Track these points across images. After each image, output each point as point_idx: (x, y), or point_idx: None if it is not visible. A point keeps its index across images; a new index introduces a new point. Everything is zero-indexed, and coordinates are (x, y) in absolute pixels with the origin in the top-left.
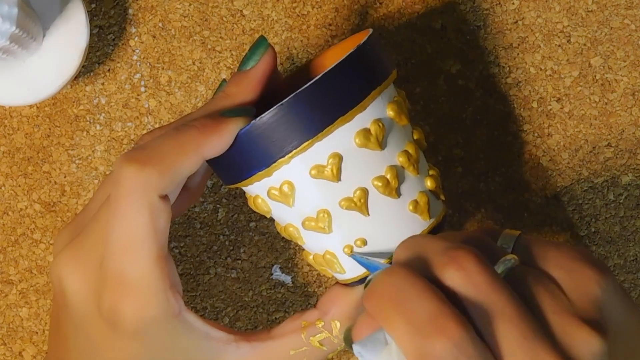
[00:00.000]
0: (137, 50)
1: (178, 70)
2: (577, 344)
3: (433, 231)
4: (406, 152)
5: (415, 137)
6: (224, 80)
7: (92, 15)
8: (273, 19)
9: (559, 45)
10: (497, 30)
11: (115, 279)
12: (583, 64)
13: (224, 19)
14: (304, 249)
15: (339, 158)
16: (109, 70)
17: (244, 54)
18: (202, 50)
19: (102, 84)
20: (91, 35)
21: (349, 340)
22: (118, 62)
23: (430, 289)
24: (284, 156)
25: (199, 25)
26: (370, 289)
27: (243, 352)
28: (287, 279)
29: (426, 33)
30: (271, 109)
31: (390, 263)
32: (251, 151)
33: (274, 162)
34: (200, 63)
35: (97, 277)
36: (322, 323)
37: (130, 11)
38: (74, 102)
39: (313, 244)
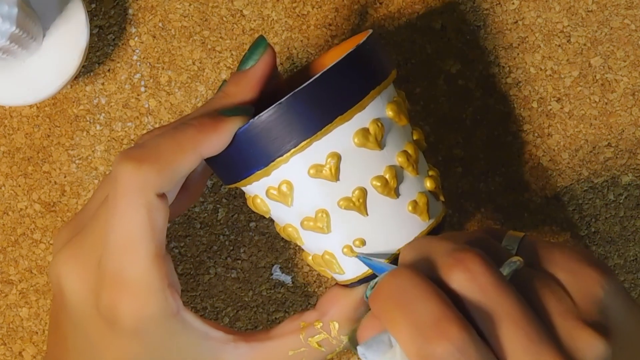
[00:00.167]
0: (137, 50)
1: (178, 70)
2: (582, 347)
3: (432, 232)
4: (405, 152)
5: (414, 138)
6: (225, 81)
7: (92, 15)
8: (273, 19)
9: (559, 45)
10: (497, 30)
11: (113, 277)
12: (583, 64)
13: (224, 19)
14: (303, 250)
15: (337, 157)
16: (109, 70)
17: (243, 53)
18: (202, 50)
19: (102, 84)
20: (91, 35)
21: (353, 341)
22: (118, 62)
23: (434, 291)
24: (282, 155)
25: (199, 25)
26: (376, 290)
27: (241, 352)
28: (287, 279)
29: (426, 33)
30: (269, 108)
31: (394, 264)
32: (250, 150)
33: (273, 161)
34: (200, 63)
35: (96, 276)
36: (321, 324)
37: (130, 11)
38: (74, 102)
39: (312, 244)
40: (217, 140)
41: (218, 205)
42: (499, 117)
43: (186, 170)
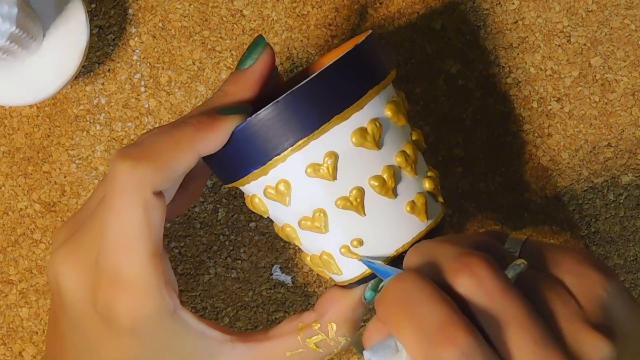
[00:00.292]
0: (137, 50)
1: (178, 70)
2: (588, 350)
3: (431, 233)
4: (404, 152)
5: (413, 138)
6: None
7: (92, 15)
8: (273, 19)
9: (559, 45)
10: (497, 30)
11: (109, 275)
12: (583, 64)
13: (224, 19)
14: (302, 250)
15: (335, 157)
16: (109, 70)
17: (243, 52)
18: (202, 50)
19: (102, 84)
20: (91, 35)
21: (359, 345)
22: (118, 62)
23: (440, 295)
24: (279, 154)
25: (199, 25)
26: (382, 294)
27: (239, 352)
28: (287, 279)
29: (426, 33)
30: (267, 106)
31: (393, 264)
32: (247, 149)
33: (270, 159)
34: (200, 63)
35: (93, 274)
36: (319, 325)
37: (130, 11)
38: (74, 102)
39: (310, 244)
40: (214, 138)
41: (218, 205)
42: (499, 117)
43: (183, 168)
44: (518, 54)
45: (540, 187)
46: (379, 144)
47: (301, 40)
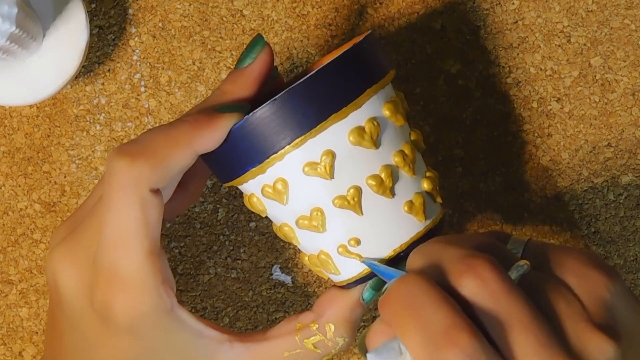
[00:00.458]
0: (137, 50)
1: (178, 70)
2: (592, 350)
3: (429, 233)
4: (402, 152)
5: (412, 138)
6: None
7: (92, 15)
8: (273, 19)
9: (559, 45)
10: (497, 30)
11: (107, 273)
12: (583, 64)
13: (224, 19)
14: (300, 250)
15: (332, 155)
16: (109, 70)
17: (242, 51)
18: (202, 50)
19: (102, 84)
20: (91, 35)
21: (362, 347)
22: (118, 62)
23: (444, 297)
24: (277, 152)
25: (199, 25)
26: (386, 296)
27: (237, 352)
28: (287, 279)
29: (426, 33)
30: (264, 104)
31: (391, 264)
32: (245, 147)
33: (267, 158)
34: (200, 63)
35: (91, 273)
36: (317, 325)
37: (130, 11)
38: (74, 102)
39: (308, 243)
40: (211, 136)
41: (218, 205)
42: (499, 117)
43: (180, 166)
44: (518, 54)
45: (540, 187)
46: (376, 143)
47: (301, 40)
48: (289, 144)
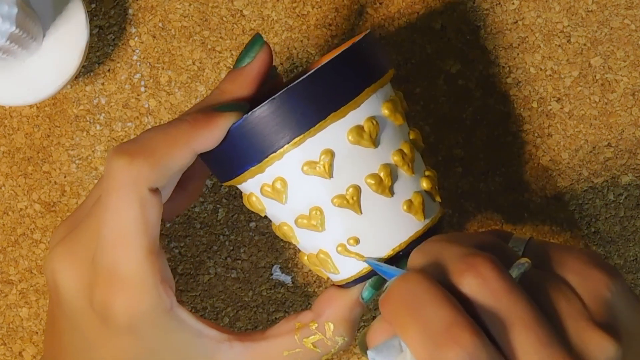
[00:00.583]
0: (137, 50)
1: (178, 70)
2: (592, 350)
3: (428, 232)
4: (401, 151)
5: (411, 137)
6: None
7: (92, 15)
8: (273, 19)
9: (559, 45)
10: (497, 30)
11: (106, 273)
12: (583, 64)
13: (224, 19)
14: (300, 250)
15: (331, 154)
16: (109, 70)
17: (241, 51)
18: (202, 50)
19: (102, 84)
20: (91, 35)
21: (363, 344)
22: (118, 62)
23: (445, 296)
24: (275, 151)
25: (199, 25)
26: (387, 294)
27: (236, 351)
28: (287, 279)
29: (426, 33)
30: (263, 103)
31: (390, 263)
32: (243, 146)
33: (266, 157)
34: (200, 63)
35: (90, 272)
36: (316, 325)
37: (130, 11)
38: (74, 102)
39: (307, 242)
40: (210, 135)
41: (218, 205)
42: (499, 117)
43: (179, 165)
44: (518, 54)
45: (540, 187)
46: (375, 142)
47: (301, 40)
48: (288, 143)
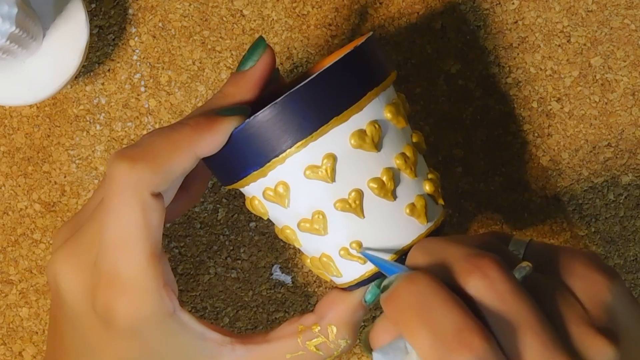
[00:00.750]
0: (137, 50)
1: (178, 70)
2: (593, 354)
3: (431, 235)
4: (403, 154)
5: (414, 140)
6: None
7: (92, 15)
8: (273, 19)
9: (559, 45)
10: (497, 30)
11: (108, 277)
12: (583, 64)
13: (224, 19)
14: (302, 252)
15: (333, 159)
16: (109, 70)
17: (244, 54)
18: (202, 50)
19: (102, 84)
20: (91, 35)
21: (366, 344)
22: (118, 62)
23: (455, 299)
24: (278, 155)
25: (199, 25)
26: (392, 295)
27: (238, 354)
28: (287, 279)
29: (426, 33)
30: (265, 108)
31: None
32: (246, 150)
33: (269, 161)
34: (200, 63)
35: (92, 275)
36: (319, 327)
37: (130, 11)
38: (74, 102)
39: (309, 246)
40: (212, 139)
41: (218, 205)
42: (499, 117)
43: (181, 169)
44: (518, 54)
45: (540, 187)
46: (378, 146)
47: (301, 40)
48: (290, 147)
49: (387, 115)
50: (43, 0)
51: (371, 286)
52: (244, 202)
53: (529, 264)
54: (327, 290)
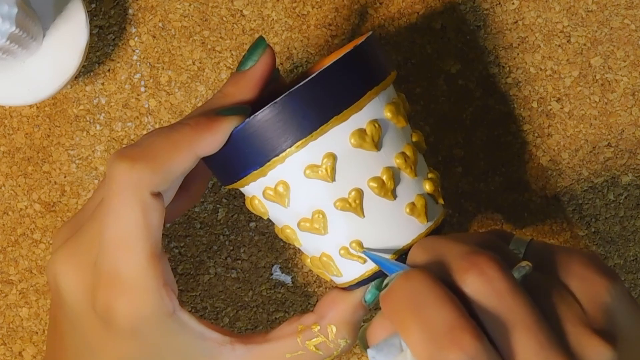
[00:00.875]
0: (137, 50)
1: (178, 70)
2: (590, 355)
3: (431, 234)
4: (403, 153)
5: (414, 140)
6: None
7: (92, 15)
8: (273, 19)
9: (559, 45)
10: (497, 30)
11: (108, 277)
12: (583, 64)
13: (224, 19)
14: (302, 252)
15: (333, 158)
16: (109, 70)
17: (244, 54)
18: (202, 50)
19: (102, 84)
20: (91, 35)
21: (363, 341)
22: (118, 62)
23: (448, 296)
24: (278, 155)
25: (199, 25)
26: (388, 292)
27: (238, 354)
28: (287, 279)
29: (426, 33)
30: (265, 107)
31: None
32: (246, 150)
33: (269, 161)
34: (200, 63)
35: (92, 275)
36: (319, 327)
37: (130, 11)
38: (74, 102)
39: (309, 245)
40: (212, 139)
41: (218, 205)
42: (499, 117)
43: (181, 169)
44: (518, 54)
45: (540, 187)
46: (378, 145)
47: (301, 40)
48: (290, 146)
49: (387, 114)
50: (43, 0)
51: (371, 286)
52: (244, 202)
53: (528, 263)
54: (327, 290)
